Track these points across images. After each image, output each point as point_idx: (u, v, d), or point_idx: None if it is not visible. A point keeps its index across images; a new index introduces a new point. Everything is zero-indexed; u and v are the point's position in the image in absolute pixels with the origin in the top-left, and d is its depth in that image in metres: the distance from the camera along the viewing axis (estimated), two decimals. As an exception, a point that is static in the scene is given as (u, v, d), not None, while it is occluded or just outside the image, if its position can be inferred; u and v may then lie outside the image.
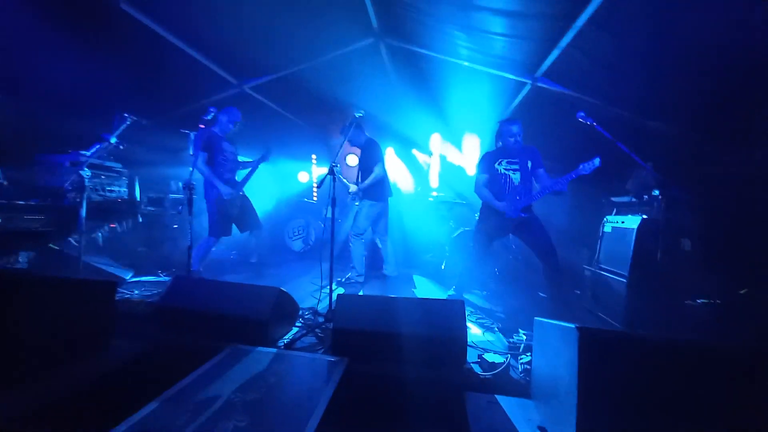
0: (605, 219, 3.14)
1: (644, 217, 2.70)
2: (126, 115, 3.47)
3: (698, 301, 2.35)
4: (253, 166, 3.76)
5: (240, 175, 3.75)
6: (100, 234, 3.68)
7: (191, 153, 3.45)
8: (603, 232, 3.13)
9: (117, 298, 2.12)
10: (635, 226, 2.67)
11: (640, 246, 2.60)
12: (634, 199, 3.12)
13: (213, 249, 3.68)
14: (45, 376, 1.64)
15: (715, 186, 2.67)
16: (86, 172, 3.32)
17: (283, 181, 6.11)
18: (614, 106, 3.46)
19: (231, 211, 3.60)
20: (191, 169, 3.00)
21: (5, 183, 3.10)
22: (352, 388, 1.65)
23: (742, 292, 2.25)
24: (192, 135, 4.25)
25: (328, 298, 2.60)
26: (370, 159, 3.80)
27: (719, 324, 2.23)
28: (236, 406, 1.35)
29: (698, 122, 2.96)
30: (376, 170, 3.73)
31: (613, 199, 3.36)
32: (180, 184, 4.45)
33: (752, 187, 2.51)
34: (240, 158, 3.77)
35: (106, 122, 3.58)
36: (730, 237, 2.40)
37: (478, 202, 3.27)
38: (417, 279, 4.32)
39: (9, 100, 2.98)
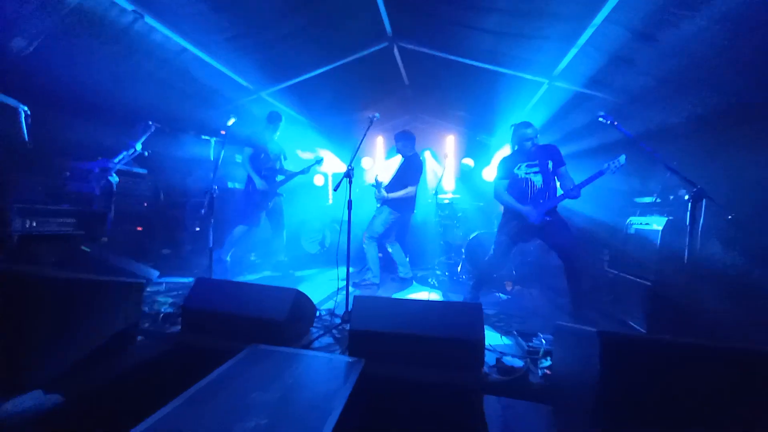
0: (629, 220, 3.05)
1: (669, 218, 2.61)
2: (150, 122, 3.63)
3: (726, 305, 2.25)
4: (292, 175, 4.14)
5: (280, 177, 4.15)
6: (127, 236, 3.83)
7: (212, 158, 3.71)
8: (627, 233, 3.04)
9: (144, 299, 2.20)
10: (660, 228, 2.59)
11: (665, 248, 2.51)
12: (658, 200, 3.02)
13: (243, 237, 3.91)
14: (71, 373, 1.71)
15: (743, 186, 2.56)
16: (114, 178, 3.48)
17: (298, 183, 6.19)
18: (635, 105, 3.37)
19: (263, 204, 3.98)
20: (214, 174, 3.10)
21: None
22: (369, 389, 1.66)
23: None
24: (212, 141, 4.41)
25: (344, 299, 2.62)
26: (409, 174, 3.89)
27: (747, 329, 2.12)
28: (256, 406, 1.38)
29: (723, 120, 2.85)
30: (410, 189, 3.85)
31: (637, 200, 3.26)
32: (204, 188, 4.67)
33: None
34: (286, 166, 4.22)
35: (132, 130, 3.75)
36: (760, 239, 2.29)
37: (494, 205, 3.23)
38: (432, 282, 4.30)
39: (44, 111, 3.15)
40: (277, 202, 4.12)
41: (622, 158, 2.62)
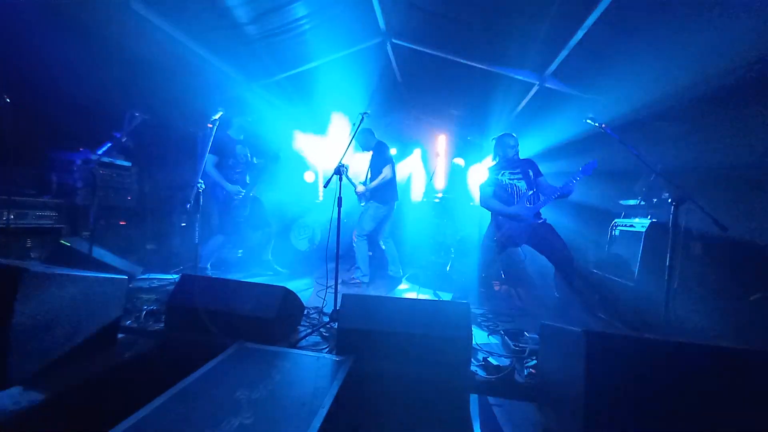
0: (614, 222, 3.11)
1: (653, 220, 2.67)
2: (136, 113, 3.53)
3: (708, 305, 2.31)
4: (261, 170, 3.94)
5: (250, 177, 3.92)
6: (110, 231, 3.73)
7: (203, 150, 3.56)
8: (612, 235, 3.10)
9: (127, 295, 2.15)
10: (644, 230, 2.65)
11: (648, 249, 2.57)
12: (643, 202, 3.09)
13: (221, 247, 3.75)
14: (51, 370, 1.66)
15: (727, 188, 2.63)
16: (97, 170, 3.39)
17: (288, 180, 6.13)
18: (623, 107, 3.43)
19: (240, 211, 3.74)
20: (199, 167, 3.04)
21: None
22: (356, 387, 1.65)
23: (753, 297, 2.21)
24: (200, 134, 4.32)
25: (333, 298, 2.60)
26: (380, 161, 3.85)
27: (729, 328, 2.19)
28: (242, 404, 1.36)
29: (708, 123, 2.92)
30: (385, 171, 3.79)
31: (622, 202, 3.33)
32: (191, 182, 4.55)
33: (764, 189, 2.47)
34: (254, 159, 3.94)
35: (116, 121, 3.64)
36: (742, 241, 2.36)
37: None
38: (422, 280, 4.31)
39: (22, 99, 3.04)
40: (255, 204, 3.94)
41: (595, 162, 2.76)
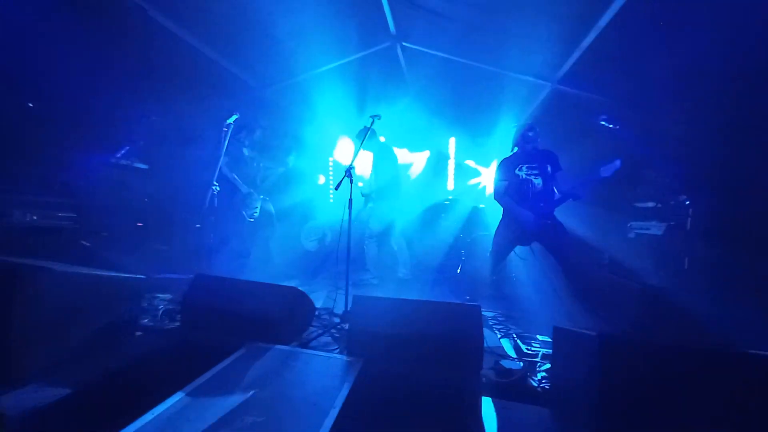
0: (629, 225, 3.05)
1: (670, 223, 2.61)
2: (153, 117, 3.63)
3: (725, 308, 2.25)
4: (275, 173, 4.06)
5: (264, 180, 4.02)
6: (127, 232, 3.82)
7: (218, 154, 3.63)
8: (627, 237, 3.04)
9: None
10: (660, 233, 2.59)
11: (665, 253, 2.51)
12: (658, 205, 3.02)
13: (232, 249, 3.81)
14: (70, 368, 1.71)
15: (743, 192, 2.56)
16: (115, 173, 3.48)
17: (300, 183, 6.18)
18: (636, 110, 3.37)
19: (250, 211, 3.83)
20: (214, 170, 3.10)
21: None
22: (367, 388, 1.65)
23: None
24: (214, 137, 4.39)
25: (344, 299, 2.61)
26: (384, 162, 3.86)
27: (746, 333, 2.12)
28: (254, 403, 1.38)
29: (722, 126, 2.85)
30: (389, 171, 3.81)
31: (637, 204, 3.26)
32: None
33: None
34: (263, 164, 4.03)
35: (134, 124, 3.74)
36: (759, 244, 2.29)
37: (495, 206, 3.22)
38: (432, 282, 4.29)
39: (44, 104, 3.14)
40: (263, 207, 4.02)
41: (617, 162, 2.64)
